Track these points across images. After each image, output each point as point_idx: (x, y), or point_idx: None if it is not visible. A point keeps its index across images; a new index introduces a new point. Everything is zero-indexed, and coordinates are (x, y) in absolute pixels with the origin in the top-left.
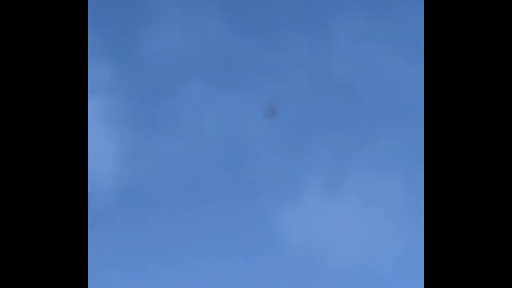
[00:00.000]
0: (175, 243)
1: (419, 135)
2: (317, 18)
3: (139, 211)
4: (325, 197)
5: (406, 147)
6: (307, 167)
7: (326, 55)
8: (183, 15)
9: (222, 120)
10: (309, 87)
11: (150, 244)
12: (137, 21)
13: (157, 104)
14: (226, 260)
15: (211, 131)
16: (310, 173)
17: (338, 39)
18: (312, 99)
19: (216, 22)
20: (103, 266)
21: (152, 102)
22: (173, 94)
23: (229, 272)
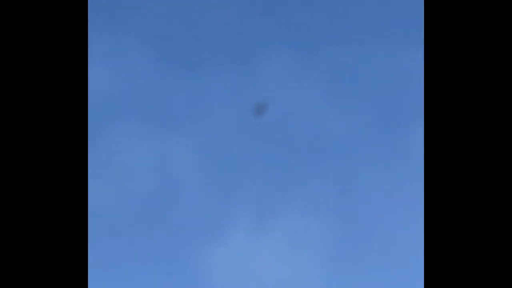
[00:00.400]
0: (103, 279)
1: (347, 176)
2: (247, 55)
3: None
4: (252, 237)
5: (334, 188)
6: (236, 206)
7: (255, 93)
8: (112, 52)
9: (153, 158)
10: (239, 125)
11: None
12: None
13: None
14: None
15: (142, 169)
16: (238, 212)
17: (268, 77)
18: (241, 138)
19: (146, 59)
20: None
21: None
22: (103, 132)
23: None
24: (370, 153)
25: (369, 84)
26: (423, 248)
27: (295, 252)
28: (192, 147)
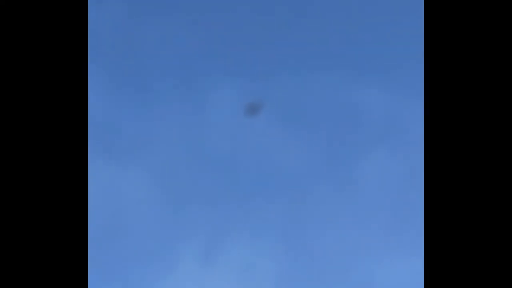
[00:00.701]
0: None
1: (297, 206)
2: (197, 90)
3: None
4: (201, 267)
5: (284, 218)
6: (185, 236)
7: (205, 127)
8: None
9: (101, 188)
10: (188, 159)
11: None
12: None
13: None
14: None
15: (90, 199)
16: (188, 242)
17: (217, 111)
18: (191, 168)
19: (97, 90)
20: None
21: None
22: None
23: None
24: (320, 183)
25: (320, 114)
26: (374, 274)
27: (245, 282)
28: (141, 178)
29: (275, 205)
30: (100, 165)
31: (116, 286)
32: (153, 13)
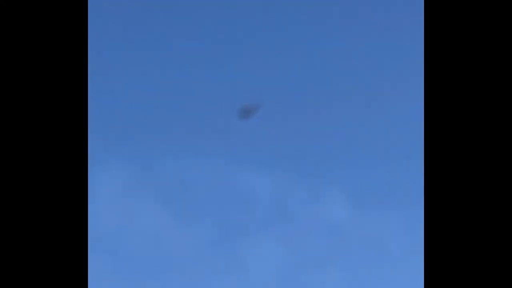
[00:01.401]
0: None
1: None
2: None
3: None
4: None
5: None
6: None
7: (92, 208)
8: None
9: None
10: None
11: None
12: None
13: None
14: None
15: None
16: None
17: (104, 194)
18: None
19: None
20: None
21: None
22: None
23: None
24: (206, 265)
25: (205, 198)
26: None
27: None
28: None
29: (164, 285)
30: None
31: None
32: None
